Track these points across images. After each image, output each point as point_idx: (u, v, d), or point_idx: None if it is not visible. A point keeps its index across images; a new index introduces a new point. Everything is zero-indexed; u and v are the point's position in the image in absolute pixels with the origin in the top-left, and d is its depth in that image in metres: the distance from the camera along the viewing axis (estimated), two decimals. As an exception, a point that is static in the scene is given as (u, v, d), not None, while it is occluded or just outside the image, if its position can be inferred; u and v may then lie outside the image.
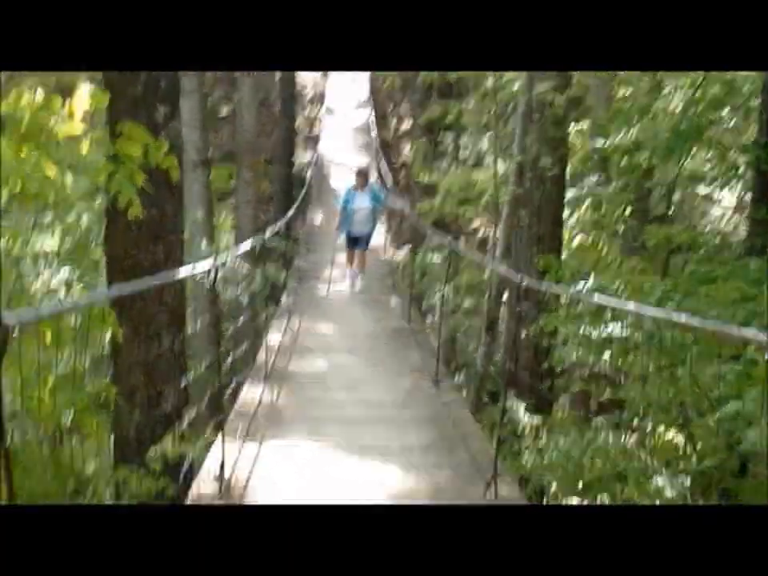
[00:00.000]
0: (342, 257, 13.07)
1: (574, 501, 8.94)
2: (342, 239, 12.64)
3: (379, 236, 15.36)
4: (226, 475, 4.86)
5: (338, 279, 12.82)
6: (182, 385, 5.72)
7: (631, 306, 4.34)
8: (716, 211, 17.99)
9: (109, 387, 4.36)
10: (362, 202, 12.00)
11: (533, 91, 9.42)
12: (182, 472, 4.56)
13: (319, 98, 29.77)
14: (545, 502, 8.64)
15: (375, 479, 5.12)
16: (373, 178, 15.64)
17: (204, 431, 5.21)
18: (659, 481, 6.50)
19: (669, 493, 6.49)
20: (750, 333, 2.80)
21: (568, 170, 15.24)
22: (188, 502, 4.63)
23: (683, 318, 3.38)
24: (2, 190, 4.01)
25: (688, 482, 6.50)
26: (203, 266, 4.66)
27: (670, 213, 15.73)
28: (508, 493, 4.92)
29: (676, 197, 16.89)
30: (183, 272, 4.41)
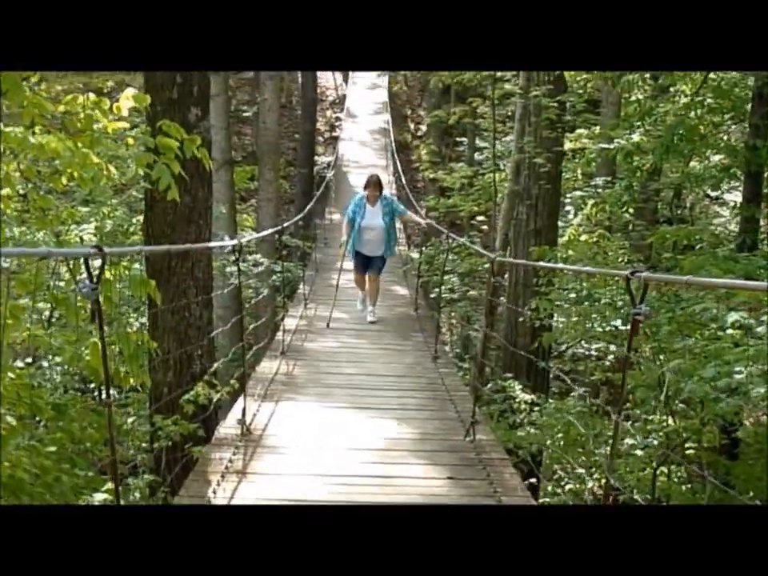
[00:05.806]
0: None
1: (555, 468, 9.67)
2: (349, 254, 10.27)
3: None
4: (247, 421, 5.74)
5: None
6: (209, 350, 6.62)
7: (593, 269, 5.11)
8: (726, 213, 18.48)
9: (150, 340, 5.17)
10: (374, 219, 9.85)
11: (529, 96, 10.24)
12: (209, 412, 5.38)
13: (340, 101, 30.72)
14: (540, 469, 9.39)
15: (373, 427, 5.98)
16: (387, 189, 13.28)
17: (228, 384, 6.04)
18: (629, 441, 7.27)
19: (638, 452, 7.28)
20: (756, 284, 2.82)
21: (579, 171, 16.00)
22: (214, 441, 5.52)
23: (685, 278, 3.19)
24: (62, 177, 4.90)
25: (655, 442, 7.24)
26: (229, 242, 5.57)
27: (680, 213, 16.42)
28: (484, 436, 5.80)
29: (689, 200, 17.55)
30: (212, 244, 5.29)
